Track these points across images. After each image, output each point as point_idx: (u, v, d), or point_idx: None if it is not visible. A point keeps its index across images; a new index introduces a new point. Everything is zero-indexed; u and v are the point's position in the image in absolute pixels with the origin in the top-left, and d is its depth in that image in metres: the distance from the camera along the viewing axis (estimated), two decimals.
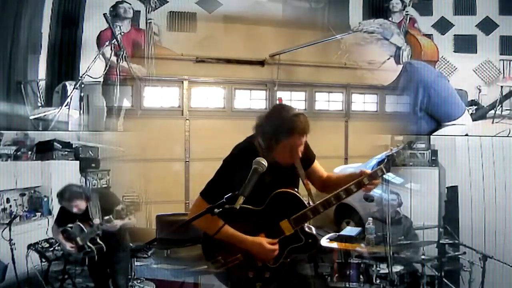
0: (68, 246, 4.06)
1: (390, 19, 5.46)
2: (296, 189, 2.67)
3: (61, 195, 4.06)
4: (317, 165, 2.79)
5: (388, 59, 3.84)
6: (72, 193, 4.06)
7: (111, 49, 5.09)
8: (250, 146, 2.62)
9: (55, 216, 4.56)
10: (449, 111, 4.04)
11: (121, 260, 4.17)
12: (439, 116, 4.04)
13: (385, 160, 2.55)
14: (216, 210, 2.37)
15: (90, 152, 5.25)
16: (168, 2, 5.53)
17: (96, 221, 3.99)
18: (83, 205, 4.06)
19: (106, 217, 3.96)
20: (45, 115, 5.04)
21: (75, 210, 4.04)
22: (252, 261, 2.62)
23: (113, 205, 4.12)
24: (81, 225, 4.01)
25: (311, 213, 2.59)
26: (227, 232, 2.51)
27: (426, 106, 3.96)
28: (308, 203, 2.63)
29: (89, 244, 3.99)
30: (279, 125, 2.51)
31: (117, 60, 5.10)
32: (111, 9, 5.22)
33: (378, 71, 3.84)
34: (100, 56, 5.10)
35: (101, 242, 4.01)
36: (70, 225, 4.06)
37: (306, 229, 2.64)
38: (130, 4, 5.29)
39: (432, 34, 5.05)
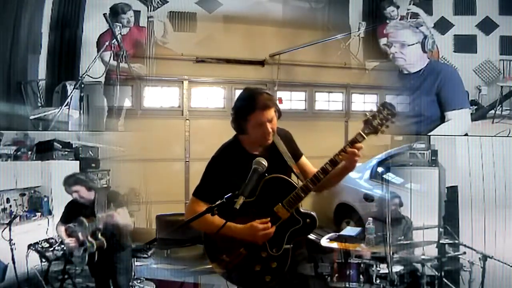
0: (67, 240, 4.07)
1: (387, 22, 5.48)
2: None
3: (64, 180, 4.14)
4: (305, 160, 2.82)
5: (416, 43, 4.63)
6: (74, 178, 4.15)
7: (111, 48, 5.09)
8: (234, 141, 2.73)
9: (55, 216, 4.56)
10: (456, 99, 4.62)
11: (123, 260, 4.17)
12: (446, 101, 4.60)
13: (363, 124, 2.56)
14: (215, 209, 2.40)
15: (90, 152, 5.24)
16: (168, 2, 5.53)
17: (99, 216, 4.00)
18: (84, 193, 4.08)
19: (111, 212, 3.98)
20: (45, 115, 5.04)
21: (75, 195, 4.06)
22: (256, 252, 2.62)
23: (118, 202, 4.13)
24: (84, 220, 4.02)
25: (302, 192, 2.60)
26: (221, 226, 2.51)
27: (440, 88, 4.60)
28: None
29: (90, 239, 4.00)
30: (241, 104, 2.64)
31: (117, 60, 5.10)
32: (110, 15, 5.21)
33: (407, 57, 4.68)
34: (100, 56, 5.11)
35: (102, 238, 4.01)
36: (73, 223, 4.08)
37: (302, 210, 2.65)
38: (131, 10, 5.30)
39: (432, 34, 5.06)
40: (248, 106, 2.59)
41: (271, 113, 2.60)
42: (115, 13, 5.19)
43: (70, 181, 4.14)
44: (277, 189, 2.62)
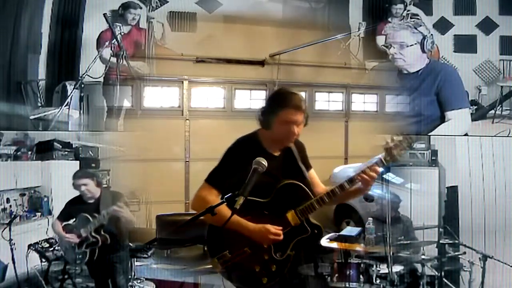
0: (67, 236, 4.07)
1: (389, 19, 5.49)
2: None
3: (74, 174, 4.19)
4: (313, 173, 2.86)
5: (415, 44, 4.64)
6: (83, 171, 4.30)
7: (111, 49, 5.09)
8: (252, 136, 2.75)
9: (55, 216, 4.56)
10: (456, 99, 4.61)
11: (121, 260, 4.17)
12: (446, 101, 4.59)
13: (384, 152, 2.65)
14: (215, 210, 2.40)
15: (90, 152, 5.24)
16: (168, 2, 5.53)
17: (104, 212, 4.01)
18: (92, 187, 4.10)
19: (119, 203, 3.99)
20: (45, 115, 5.04)
21: (83, 189, 4.07)
22: (259, 254, 2.64)
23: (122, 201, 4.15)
24: (88, 216, 4.02)
25: (316, 203, 2.65)
26: (233, 220, 2.50)
27: (440, 88, 4.60)
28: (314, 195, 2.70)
29: (93, 234, 4.00)
30: (275, 99, 2.69)
31: (117, 60, 5.10)
32: (120, 8, 5.23)
33: (406, 57, 4.68)
34: (100, 56, 5.11)
35: (105, 234, 4.01)
36: (72, 220, 4.09)
37: (312, 219, 2.69)
38: (140, 9, 5.32)
39: (432, 34, 5.07)
40: (283, 101, 2.64)
41: (301, 117, 2.64)
42: (126, 7, 5.24)
43: (79, 174, 4.19)
44: (292, 195, 2.66)
